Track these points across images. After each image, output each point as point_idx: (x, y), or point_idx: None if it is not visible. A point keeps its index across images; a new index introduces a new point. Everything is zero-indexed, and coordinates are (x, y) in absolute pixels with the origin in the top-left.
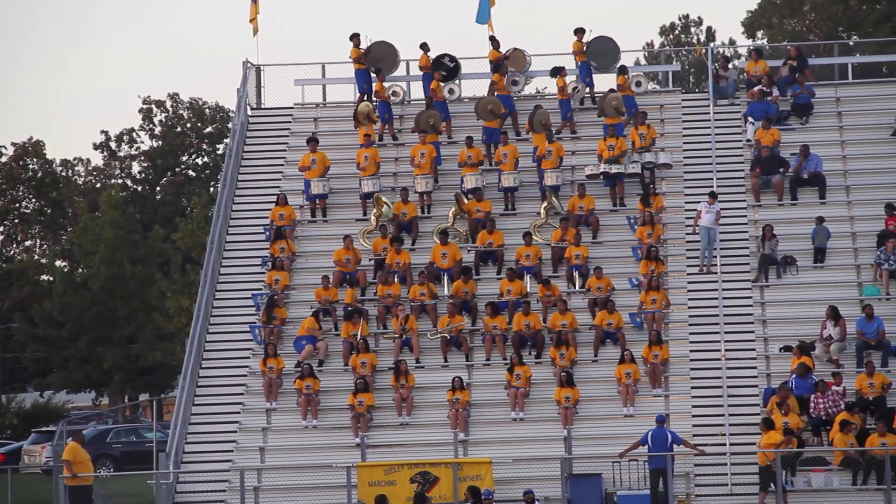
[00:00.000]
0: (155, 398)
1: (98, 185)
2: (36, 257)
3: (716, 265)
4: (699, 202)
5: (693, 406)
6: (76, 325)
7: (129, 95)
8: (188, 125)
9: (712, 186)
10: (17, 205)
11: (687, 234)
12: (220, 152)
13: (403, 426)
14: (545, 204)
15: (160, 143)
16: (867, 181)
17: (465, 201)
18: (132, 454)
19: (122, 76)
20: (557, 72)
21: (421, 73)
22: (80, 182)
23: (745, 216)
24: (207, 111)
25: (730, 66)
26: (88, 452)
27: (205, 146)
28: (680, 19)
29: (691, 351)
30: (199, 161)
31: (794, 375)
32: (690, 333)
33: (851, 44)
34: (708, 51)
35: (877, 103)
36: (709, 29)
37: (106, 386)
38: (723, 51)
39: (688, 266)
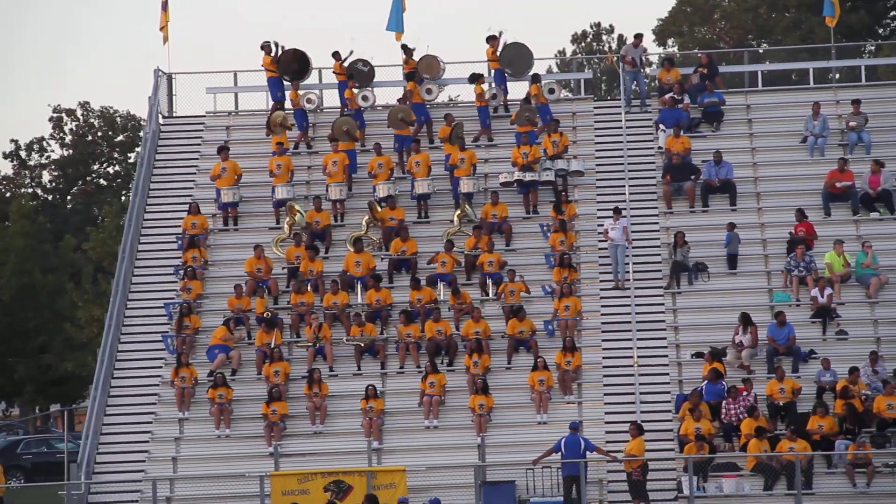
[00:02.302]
0: (66, 408)
1: (8, 195)
2: None
3: (629, 280)
4: (609, 212)
5: (606, 413)
6: None
7: (40, 104)
8: (99, 134)
9: (624, 194)
10: None
11: (600, 241)
12: (131, 161)
13: (317, 435)
14: (458, 212)
15: (71, 151)
16: (778, 188)
17: (379, 209)
18: (43, 465)
19: (33, 84)
20: (476, 78)
21: (336, 80)
22: None
23: (657, 223)
24: (119, 120)
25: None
26: None
27: (116, 155)
28: (591, 27)
29: (604, 358)
30: (110, 170)
31: (705, 381)
32: (603, 340)
33: (761, 51)
34: (619, 58)
35: (787, 110)
36: (620, 36)
37: (17, 396)
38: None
39: (600, 273)
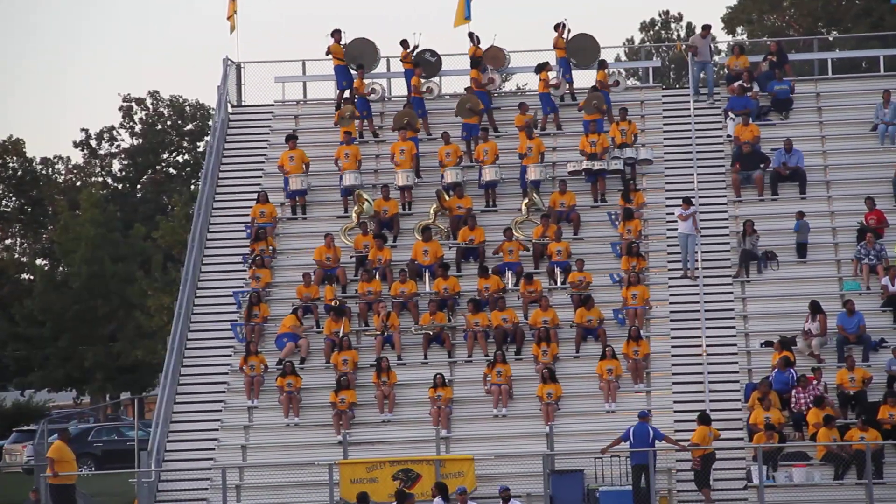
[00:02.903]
0: (136, 397)
1: (78, 184)
2: (16, 256)
3: (697, 269)
4: (679, 199)
5: (675, 402)
6: (57, 323)
7: (110, 93)
8: (168, 123)
9: (693, 182)
10: None
11: (668, 230)
12: (200, 150)
13: (385, 423)
14: (526, 200)
15: (140, 140)
16: (847, 176)
17: (447, 198)
18: (114, 453)
19: (103, 74)
20: (542, 67)
21: (402, 69)
22: (61, 180)
23: (726, 212)
24: (188, 109)
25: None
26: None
27: (185, 144)
28: (660, 15)
29: (672, 347)
30: (179, 159)
31: (775, 370)
32: (672, 329)
33: (831, 39)
34: (687, 47)
35: (856, 98)
36: (689, 25)
37: (87, 384)
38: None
39: (668, 262)
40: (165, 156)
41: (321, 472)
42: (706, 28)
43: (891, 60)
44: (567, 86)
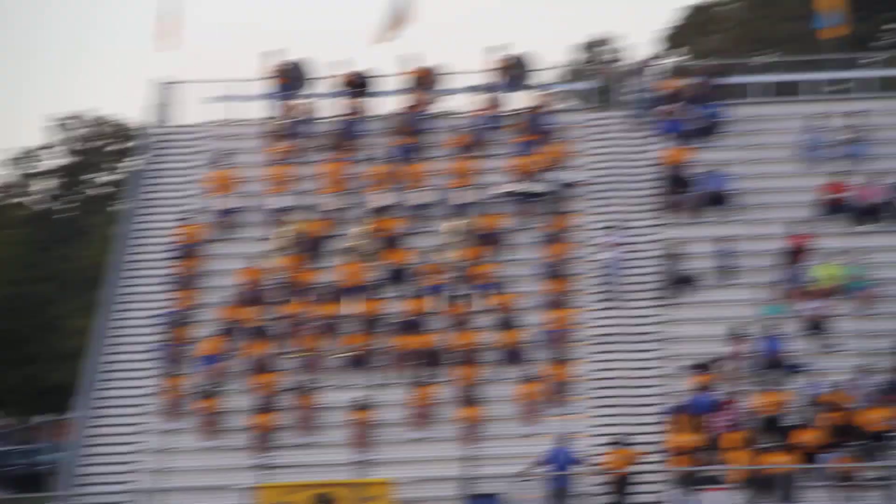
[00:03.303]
0: (53, 419)
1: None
2: None
3: (620, 293)
4: (605, 226)
5: (594, 425)
6: None
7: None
8: (94, 143)
9: (619, 205)
10: None
11: (592, 253)
12: (125, 170)
13: (305, 446)
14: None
15: (64, 161)
16: (771, 200)
17: (374, 219)
18: (30, 476)
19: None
20: (477, 89)
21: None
22: None
23: (652, 234)
24: (114, 129)
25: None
26: None
27: (111, 164)
28: (593, 37)
29: (593, 370)
30: (104, 179)
31: (693, 394)
32: (593, 352)
33: (760, 63)
34: (617, 69)
35: (782, 122)
36: (621, 47)
37: (4, 407)
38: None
39: (592, 285)
40: (89, 176)
41: (238, 495)
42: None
43: (814, 84)
44: (502, 106)
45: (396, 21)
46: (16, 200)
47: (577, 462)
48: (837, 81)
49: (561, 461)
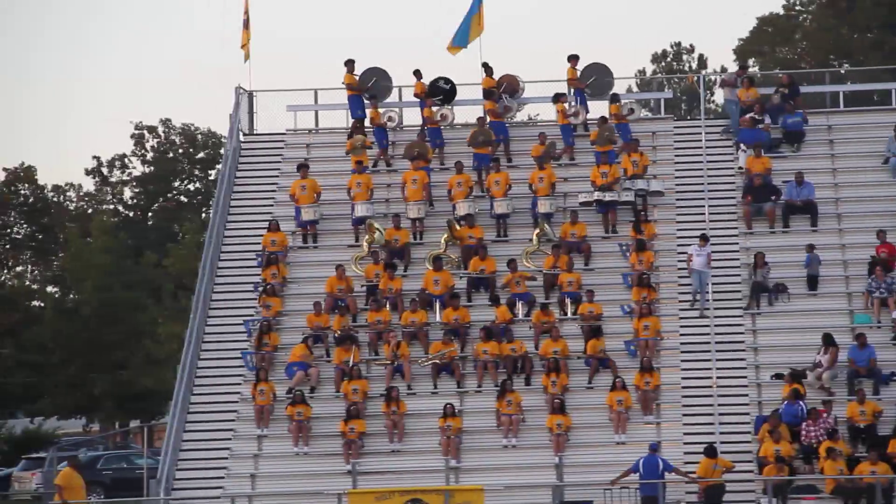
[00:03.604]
0: (145, 424)
1: (90, 211)
2: (27, 283)
3: (709, 308)
4: (691, 234)
5: (684, 433)
6: (67, 350)
7: (121, 121)
8: (180, 151)
9: (704, 214)
10: (9, 230)
11: (679, 261)
12: (212, 178)
13: (395, 453)
14: (537, 231)
15: (152, 168)
16: (858, 209)
17: (458, 228)
18: (123, 481)
19: (114, 101)
20: (559, 98)
21: (415, 99)
22: (72, 207)
23: (737, 244)
24: (199, 137)
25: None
26: None
27: (197, 172)
28: (672, 47)
29: (683, 378)
30: (190, 187)
31: (785, 403)
32: (682, 360)
33: (843, 72)
34: (700, 78)
35: (868, 131)
36: (700, 56)
37: (96, 412)
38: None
39: (679, 293)
40: (177, 184)
41: (330, 501)
42: (743, 68)
43: None
44: (583, 116)
45: (475, 29)
46: (105, 207)
47: (669, 470)
48: None
49: (652, 469)
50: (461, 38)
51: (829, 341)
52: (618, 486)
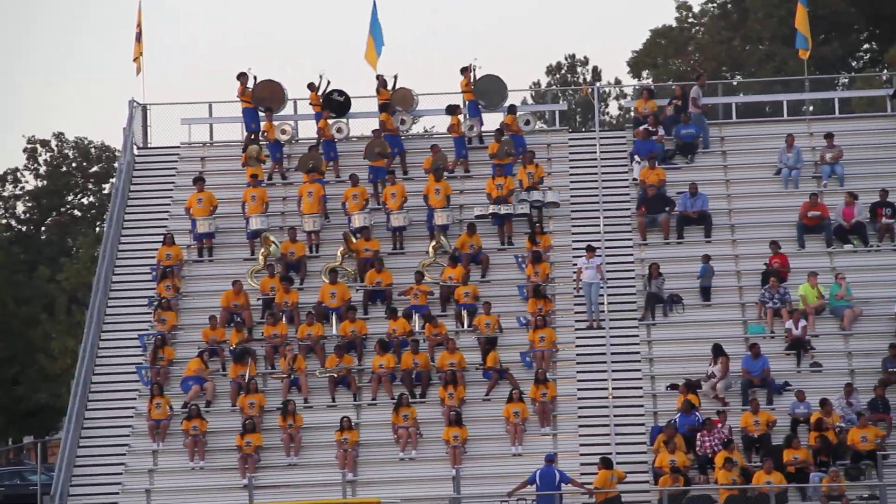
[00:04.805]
0: (39, 440)
1: None
2: None
3: (604, 320)
4: (586, 245)
5: (581, 444)
6: None
7: (14, 134)
8: (74, 164)
9: (599, 225)
10: None
11: (574, 276)
12: (106, 192)
13: (291, 466)
14: (434, 243)
15: (45, 182)
16: (752, 220)
17: (354, 240)
18: (16, 497)
19: (6, 115)
20: (453, 110)
21: (311, 111)
22: None
23: (632, 255)
24: (93, 150)
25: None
26: None
27: (91, 186)
28: (566, 59)
29: (579, 389)
30: (84, 201)
31: (679, 413)
32: (578, 372)
33: (735, 84)
34: (594, 90)
35: (760, 142)
36: (595, 68)
37: None
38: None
39: (575, 304)
40: (70, 198)
41: None
42: (701, 77)
43: (794, 105)
44: (477, 128)
45: (371, 46)
46: None
47: (565, 482)
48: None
49: (549, 481)
50: (378, 45)
51: (718, 351)
52: (515, 498)
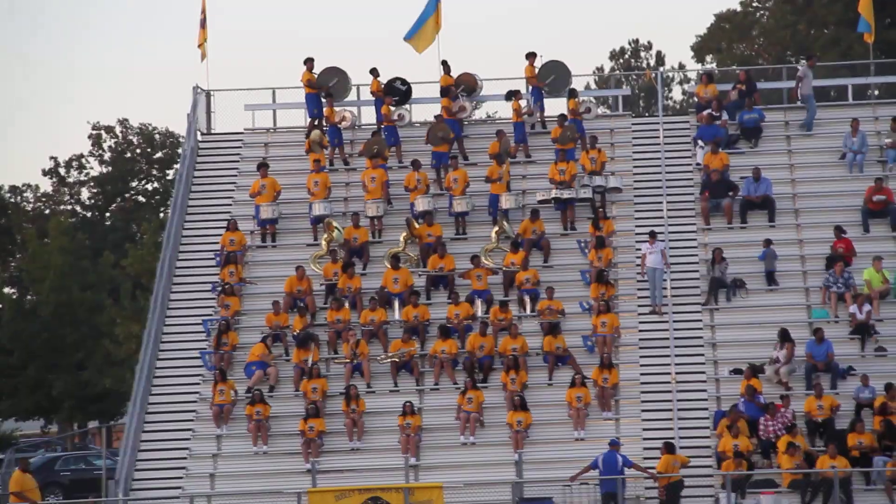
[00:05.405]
0: (104, 425)
1: (47, 212)
2: None
3: (666, 305)
4: (649, 230)
5: (643, 429)
6: (25, 352)
7: (79, 121)
8: (138, 151)
9: (662, 210)
10: None
11: (637, 261)
12: (170, 178)
13: (354, 451)
14: (496, 228)
15: (109, 168)
16: (816, 204)
17: (416, 226)
18: (81, 482)
19: (72, 102)
20: (512, 95)
21: (372, 97)
22: (29, 208)
23: (695, 240)
24: (157, 136)
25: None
26: (37, 480)
27: (154, 172)
28: (630, 44)
29: (641, 374)
30: (148, 187)
31: (742, 398)
32: (641, 357)
33: (800, 68)
34: (657, 75)
35: (824, 127)
36: (658, 53)
37: (55, 413)
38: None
39: (638, 290)
40: (134, 184)
41: (290, 500)
42: (812, 57)
43: (859, 90)
44: (539, 114)
45: (430, 28)
46: (63, 208)
47: (628, 466)
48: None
49: (612, 465)
50: (413, 33)
51: (785, 337)
52: (578, 483)
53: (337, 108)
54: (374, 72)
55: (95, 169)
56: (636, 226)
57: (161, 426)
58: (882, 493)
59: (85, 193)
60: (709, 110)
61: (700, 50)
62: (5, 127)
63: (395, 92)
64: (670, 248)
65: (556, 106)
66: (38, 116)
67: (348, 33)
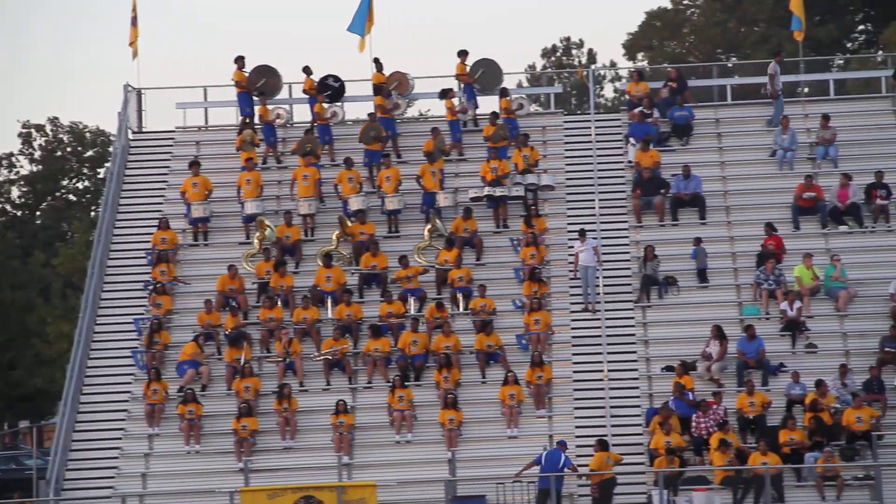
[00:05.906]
0: (35, 425)
1: None
2: None
3: (598, 302)
4: (580, 225)
5: (576, 427)
6: None
7: (8, 119)
8: (68, 149)
9: (594, 208)
10: None
11: (570, 258)
12: (101, 176)
13: (287, 450)
14: (429, 226)
15: (40, 167)
16: (747, 201)
17: (349, 224)
18: (12, 482)
19: (1, 100)
20: (446, 94)
21: (305, 96)
22: None
23: (627, 237)
24: (88, 135)
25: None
26: None
27: (85, 170)
28: (561, 42)
29: (574, 371)
30: (79, 185)
31: (674, 395)
32: (573, 354)
33: (730, 66)
34: (589, 73)
35: (755, 124)
36: (590, 51)
37: None
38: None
39: (570, 287)
40: (65, 182)
41: (223, 499)
42: (778, 54)
43: (789, 87)
44: (472, 111)
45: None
46: None
47: (567, 466)
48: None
49: (554, 463)
50: (358, 26)
51: (720, 333)
52: (511, 481)
53: (270, 107)
54: (306, 70)
55: (25, 167)
56: (568, 223)
57: (92, 426)
58: (813, 489)
59: (15, 192)
60: (640, 108)
61: (631, 48)
62: None
63: (328, 89)
64: (602, 245)
65: (489, 104)
66: None
67: (280, 30)
